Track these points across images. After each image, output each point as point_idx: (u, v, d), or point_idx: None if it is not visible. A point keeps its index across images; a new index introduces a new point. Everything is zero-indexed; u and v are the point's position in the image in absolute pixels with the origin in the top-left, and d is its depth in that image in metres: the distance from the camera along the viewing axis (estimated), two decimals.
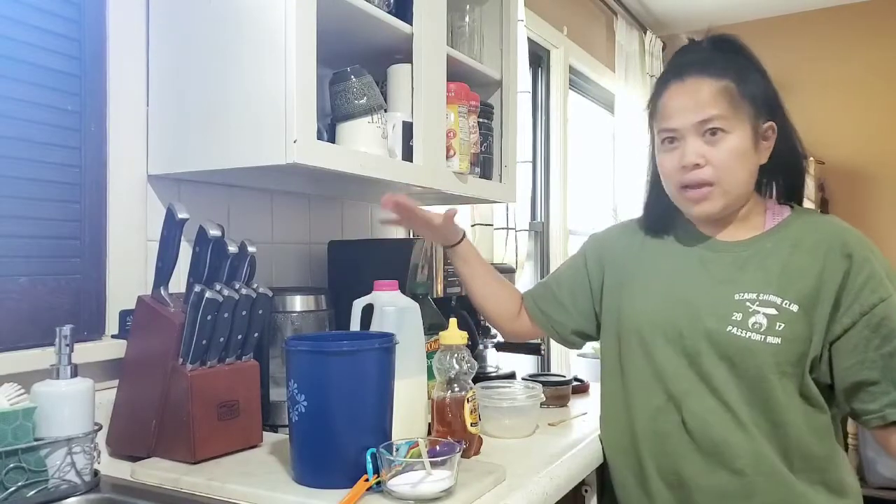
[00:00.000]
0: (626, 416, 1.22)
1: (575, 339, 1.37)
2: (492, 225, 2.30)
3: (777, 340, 1.09)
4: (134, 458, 1.08)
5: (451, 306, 1.60)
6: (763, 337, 1.09)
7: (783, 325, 1.09)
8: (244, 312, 1.12)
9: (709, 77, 1.12)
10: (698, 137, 1.12)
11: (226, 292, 1.09)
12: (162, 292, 1.11)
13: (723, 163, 1.12)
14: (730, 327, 1.11)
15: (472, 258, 1.40)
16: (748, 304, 1.12)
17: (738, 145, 1.12)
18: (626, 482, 1.22)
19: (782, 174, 1.21)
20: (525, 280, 2.68)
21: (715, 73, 1.13)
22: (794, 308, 1.10)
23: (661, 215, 1.27)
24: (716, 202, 1.14)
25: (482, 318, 1.75)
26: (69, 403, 0.96)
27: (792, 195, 1.23)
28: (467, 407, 1.13)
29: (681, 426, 1.14)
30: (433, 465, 0.92)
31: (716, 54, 1.16)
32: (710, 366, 1.12)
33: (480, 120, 1.65)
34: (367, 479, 0.93)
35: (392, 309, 1.16)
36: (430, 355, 1.22)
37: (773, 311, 1.10)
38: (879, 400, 1.08)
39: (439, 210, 1.92)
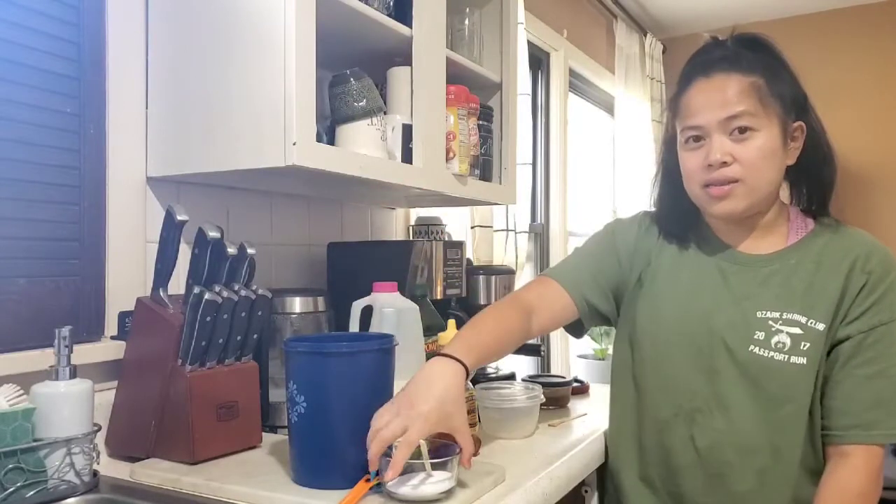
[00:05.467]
0: (635, 425, 1.21)
1: (584, 308, 1.22)
2: (492, 227, 2.30)
3: (803, 360, 1.06)
4: (133, 459, 1.08)
5: (450, 308, 1.60)
6: (786, 357, 1.07)
7: (809, 344, 1.07)
8: (243, 314, 1.12)
9: (736, 73, 1.07)
10: (724, 135, 1.07)
11: (225, 294, 1.09)
12: (161, 294, 1.11)
13: (751, 161, 1.06)
14: (752, 346, 1.08)
15: (484, 361, 1.13)
16: (771, 322, 1.08)
17: (766, 144, 1.06)
18: (632, 488, 1.21)
19: (809, 180, 1.16)
20: (524, 282, 2.67)
21: (743, 69, 1.08)
22: (821, 327, 1.07)
23: (680, 219, 1.21)
24: (740, 201, 1.08)
25: None
26: (68, 404, 0.96)
27: (818, 203, 1.16)
28: None
29: (689, 442, 1.13)
30: (433, 466, 0.92)
31: (743, 51, 1.11)
32: (728, 384, 1.10)
33: (480, 122, 1.65)
34: (367, 480, 0.92)
35: (391, 310, 1.16)
36: (429, 356, 1.21)
37: (797, 331, 1.07)
38: (838, 419, 1.07)
39: (437, 211, 1.94)
